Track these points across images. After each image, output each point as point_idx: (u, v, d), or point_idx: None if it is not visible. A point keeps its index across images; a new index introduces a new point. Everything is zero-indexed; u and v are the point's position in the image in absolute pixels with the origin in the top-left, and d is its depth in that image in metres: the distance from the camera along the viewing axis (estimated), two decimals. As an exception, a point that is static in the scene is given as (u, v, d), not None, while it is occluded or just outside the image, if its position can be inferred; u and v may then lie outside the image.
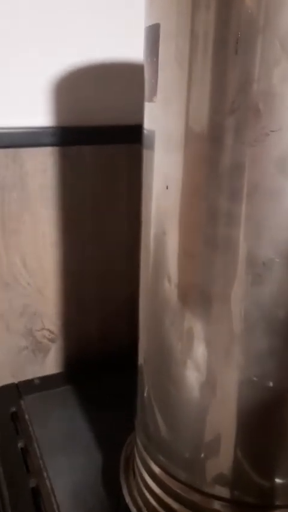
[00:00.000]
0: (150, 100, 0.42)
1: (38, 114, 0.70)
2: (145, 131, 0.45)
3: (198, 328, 0.42)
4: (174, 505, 0.48)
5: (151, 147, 0.43)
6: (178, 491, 0.48)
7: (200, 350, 0.42)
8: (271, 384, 0.41)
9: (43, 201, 0.73)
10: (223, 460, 0.45)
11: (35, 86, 0.69)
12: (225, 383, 0.42)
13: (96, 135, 0.73)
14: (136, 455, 0.55)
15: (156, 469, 0.50)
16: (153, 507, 0.51)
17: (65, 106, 0.71)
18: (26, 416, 0.73)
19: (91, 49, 0.70)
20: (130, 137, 0.74)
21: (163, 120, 0.41)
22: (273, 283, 0.38)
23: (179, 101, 0.38)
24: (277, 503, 0.45)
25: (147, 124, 0.44)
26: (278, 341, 0.39)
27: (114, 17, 0.69)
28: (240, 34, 0.33)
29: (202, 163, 0.38)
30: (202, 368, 0.43)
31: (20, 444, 0.67)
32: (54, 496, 0.59)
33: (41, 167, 0.71)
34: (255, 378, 0.41)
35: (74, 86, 0.70)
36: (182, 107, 0.38)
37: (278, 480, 0.44)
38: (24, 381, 0.82)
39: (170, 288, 0.43)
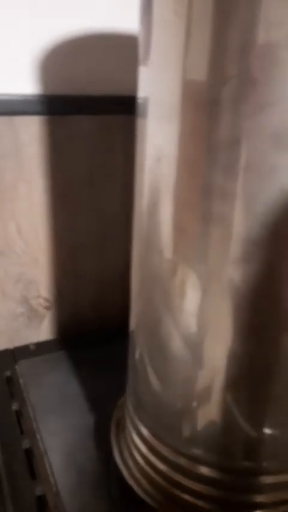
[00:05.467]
0: (144, 64, 0.41)
1: (31, 81, 0.69)
2: (138, 98, 0.44)
3: (187, 302, 0.42)
4: (161, 466, 0.50)
5: (144, 115, 0.42)
6: (165, 453, 0.50)
7: (189, 323, 0.43)
8: (257, 358, 0.42)
9: (38, 170, 0.73)
10: (211, 424, 0.46)
11: (29, 52, 0.68)
12: (213, 355, 0.43)
13: (93, 105, 0.73)
14: (126, 417, 0.57)
15: (145, 431, 0.52)
16: (142, 467, 0.53)
17: (61, 74, 0.70)
18: (21, 380, 0.74)
19: (91, 18, 0.69)
20: (127, 108, 0.73)
21: (156, 85, 0.40)
22: (263, 261, 0.38)
23: (173, 64, 0.37)
24: (264, 467, 0.47)
25: (141, 90, 0.43)
26: (266, 318, 0.40)
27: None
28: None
29: (195, 135, 0.37)
30: (191, 338, 0.43)
31: (14, 407, 0.69)
32: (47, 457, 0.61)
33: (37, 135, 0.71)
34: (241, 352, 0.41)
35: (71, 54, 0.69)
36: (176, 71, 0.36)
37: (265, 443, 0.46)
38: (19, 346, 0.83)
39: (161, 261, 0.44)
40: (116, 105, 0.74)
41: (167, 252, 0.43)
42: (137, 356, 0.51)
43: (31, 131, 0.71)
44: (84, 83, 0.72)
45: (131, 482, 0.53)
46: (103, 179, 0.79)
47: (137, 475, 0.53)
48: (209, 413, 0.46)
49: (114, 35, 0.71)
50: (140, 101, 0.43)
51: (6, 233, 0.76)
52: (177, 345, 0.45)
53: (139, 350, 0.51)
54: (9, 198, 0.73)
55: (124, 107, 0.73)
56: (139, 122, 0.44)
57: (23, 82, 0.68)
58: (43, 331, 0.86)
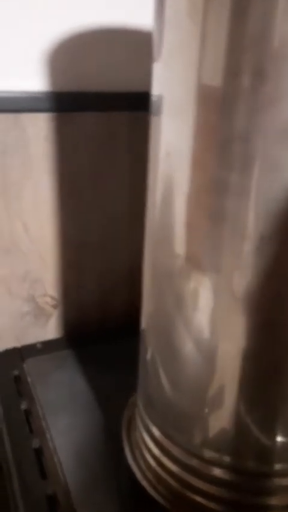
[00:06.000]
0: (158, 60, 0.41)
1: (38, 78, 0.69)
2: (152, 95, 0.44)
3: (199, 298, 0.42)
4: (173, 467, 0.50)
5: (158, 111, 0.42)
6: (177, 454, 0.49)
7: (200, 319, 0.43)
8: (268, 355, 0.41)
9: (45, 167, 0.73)
10: (222, 425, 0.46)
11: (35, 49, 0.67)
12: (225, 352, 0.43)
13: (99, 102, 0.72)
14: (137, 417, 0.56)
15: (156, 432, 0.51)
16: (154, 469, 0.52)
17: (67, 71, 0.70)
18: (29, 379, 0.74)
19: (94, 14, 0.68)
20: (132, 104, 0.73)
21: (170, 81, 0.40)
22: (271, 257, 0.37)
23: (187, 60, 0.36)
24: (276, 469, 0.47)
25: (155, 86, 0.43)
26: (275, 314, 0.40)
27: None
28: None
29: (203, 129, 0.37)
30: (202, 337, 0.43)
31: (23, 406, 0.69)
32: (57, 456, 0.61)
33: (43, 133, 0.71)
34: (253, 352, 0.41)
35: (77, 50, 0.69)
36: (189, 67, 0.36)
37: (277, 446, 0.46)
38: (26, 345, 0.83)
39: (173, 259, 0.44)
40: (123, 101, 0.73)
41: (178, 249, 0.43)
42: (148, 355, 0.51)
43: (38, 128, 0.70)
44: (90, 80, 0.71)
45: (143, 482, 0.53)
46: (109, 177, 0.78)
47: (149, 475, 0.53)
48: (221, 416, 0.46)
49: (122, 31, 0.70)
50: (153, 97, 0.43)
51: (12, 231, 0.75)
52: (188, 345, 0.45)
53: (150, 350, 0.51)
54: (15, 196, 0.73)
55: (129, 104, 0.73)
56: (152, 118, 0.44)
57: (30, 78, 0.68)
58: (50, 329, 0.86)
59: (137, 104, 0.73)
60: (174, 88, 0.39)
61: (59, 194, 0.76)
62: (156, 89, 0.43)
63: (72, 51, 0.69)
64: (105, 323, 0.90)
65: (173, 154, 0.41)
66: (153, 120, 0.44)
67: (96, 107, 0.72)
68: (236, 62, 0.33)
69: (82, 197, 0.78)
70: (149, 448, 0.53)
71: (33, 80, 0.68)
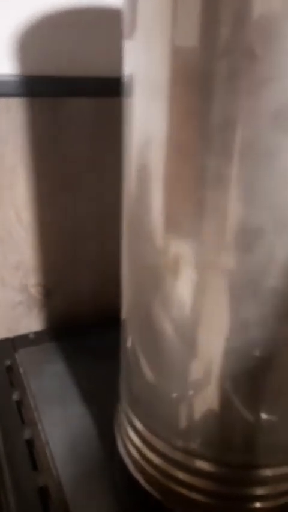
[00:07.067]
0: (129, 36, 0.37)
1: (17, 61, 0.67)
2: (124, 75, 0.40)
3: (182, 295, 0.40)
4: (157, 460, 0.49)
5: (130, 93, 0.39)
6: (160, 448, 0.48)
7: (183, 315, 0.41)
8: (254, 351, 0.40)
9: (38, 154, 0.72)
10: (206, 417, 0.45)
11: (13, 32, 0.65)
12: (209, 348, 0.41)
13: (92, 87, 0.71)
14: (121, 414, 0.56)
15: (139, 425, 0.50)
16: (139, 463, 0.52)
17: (60, 55, 0.68)
18: (21, 369, 0.73)
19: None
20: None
21: (143, 59, 0.36)
22: (263, 252, 0.35)
23: (161, 34, 0.33)
24: (262, 460, 0.46)
25: (126, 66, 0.39)
26: (265, 311, 0.38)
27: None
28: None
29: (188, 115, 0.34)
30: (186, 332, 0.42)
31: (14, 397, 0.68)
32: (49, 447, 0.60)
33: (35, 119, 0.69)
34: (238, 344, 0.39)
35: (51, 33, 0.67)
36: (164, 42, 0.33)
37: (262, 436, 0.44)
38: (19, 335, 0.82)
39: (151, 250, 0.41)
40: (115, 87, 0.72)
41: (158, 240, 0.40)
42: (128, 345, 0.50)
43: (30, 114, 0.69)
44: (82, 64, 0.70)
45: (136, 474, 0.52)
46: (104, 165, 0.77)
47: (143, 465, 0.52)
48: (205, 406, 0.44)
49: (102, 11, 0.68)
50: (125, 77, 0.40)
51: (5, 220, 0.74)
52: (171, 338, 0.43)
53: (131, 340, 0.49)
54: (8, 184, 0.71)
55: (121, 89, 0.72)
56: (124, 101, 0.41)
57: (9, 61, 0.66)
58: (43, 320, 0.85)
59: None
60: (149, 67, 0.35)
61: (53, 182, 0.75)
62: (128, 68, 0.39)
63: (47, 34, 0.67)
64: (98, 313, 0.89)
65: (150, 139, 0.38)
66: (126, 104, 0.41)
67: (89, 92, 0.71)
68: (219, 39, 0.30)
69: (76, 185, 0.77)
70: (133, 441, 0.52)
71: (21, 65, 0.67)
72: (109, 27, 0.68)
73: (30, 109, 0.68)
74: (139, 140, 0.40)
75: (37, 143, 0.71)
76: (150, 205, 0.40)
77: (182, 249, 0.39)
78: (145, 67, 0.36)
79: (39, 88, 0.68)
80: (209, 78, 0.32)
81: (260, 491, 0.47)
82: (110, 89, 0.71)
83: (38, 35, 0.66)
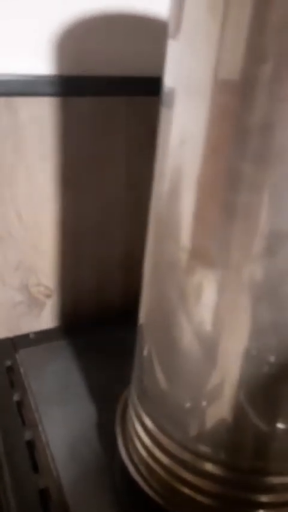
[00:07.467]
0: (174, 38, 0.38)
1: (36, 61, 0.66)
2: (165, 76, 0.41)
3: (204, 293, 0.40)
4: (166, 461, 0.49)
5: (171, 94, 0.39)
6: (170, 448, 0.48)
7: (203, 317, 0.41)
8: (271, 358, 0.40)
9: (39, 152, 0.71)
10: (219, 422, 0.44)
11: (36, 31, 0.65)
12: (227, 353, 0.41)
13: (95, 86, 0.70)
14: (131, 410, 0.55)
15: (150, 424, 0.50)
16: (146, 461, 0.51)
17: (63, 54, 0.68)
18: (21, 370, 0.73)
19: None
20: (130, 89, 0.71)
21: (186, 61, 0.37)
22: (285, 257, 0.36)
23: (207, 39, 0.34)
24: (272, 468, 0.46)
25: (168, 67, 0.40)
26: (282, 316, 0.38)
27: None
28: None
29: (225, 117, 0.35)
30: (204, 335, 0.42)
31: (15, 397, 0.68)
32: (50, 449, 0.59)
33: (38, 117, 0.69)
34: (256, 351, 0.40)
35: (75, 34, 0.67)
36: (209, 47, 0.34)
37: (274, 443, 0.44)
38: (19, 335, 0.82)
39: (178, 251, 0.41)
40: (118, 86, 0.71)
41: (185, 241, 0.41)
42: (145, 351, 0.50)
43: (32, 112, 0.68)
44: (85, 64, 0.69)
45: (136, 476, 0.52)
46: (106, 163, 0.76)
47: (142, 468, 0.52)
48: (219, 413, 0.44)
49: (117, 16, 0.68)
50: (166, 78, 0.41)
51: (5, 218, 0.73)
52: (190, 341, 0.43)
53: (148, 345, 0.49)
54: (8, 182, 0.71)
55: (126, 88, 0.71)
56: (164, 101, 0.41)
57: (26, 61, 0.66)
58: (43, 319, 0.84)
59: (136, 89, 0.71)
60: (192, 69, 0.36)
61: (54, 180, 0.74)
62: (170, 69, 0.40)
63: (74, 35, 0.66)
64: (99, 312, 0.88)
65: (186, 140, 0.38)
66: (165, 102, 0.41)
67: (92, 91, 0.70)
68: (263, 47, 0.31)
69: (78, 183, 0.76)
70: (142, 440, 0.52)
71: (34, 64, 0.66)
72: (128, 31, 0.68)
73: (32, 108, 0.68)
74: (175, 140, 0.40)
75: (39, 142, 0.70)
76: (180, 205, 0.41)
77: (208, 251, 0.39)
78: (188, 68, 0.37)
79: (43, 87, 0.67)
80: (249, 82, 0.32)
81: (267, 498, 0.47)
82: (112, 88, 0.72)
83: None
